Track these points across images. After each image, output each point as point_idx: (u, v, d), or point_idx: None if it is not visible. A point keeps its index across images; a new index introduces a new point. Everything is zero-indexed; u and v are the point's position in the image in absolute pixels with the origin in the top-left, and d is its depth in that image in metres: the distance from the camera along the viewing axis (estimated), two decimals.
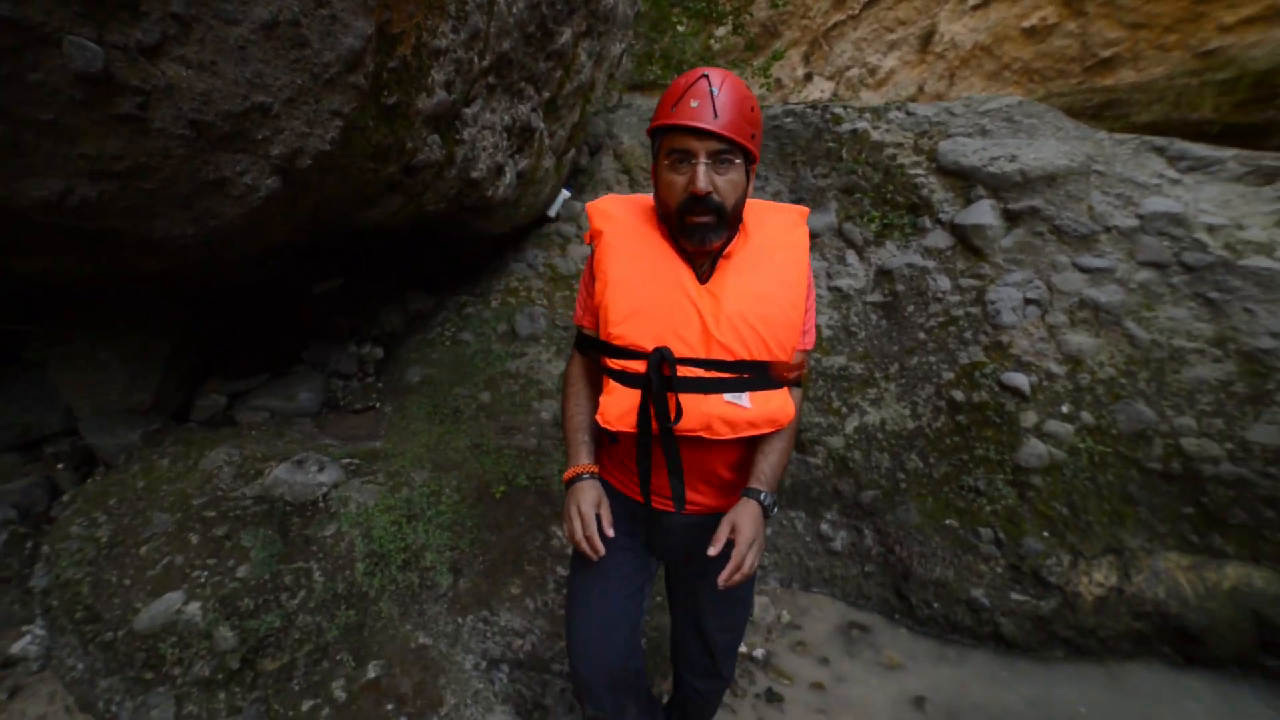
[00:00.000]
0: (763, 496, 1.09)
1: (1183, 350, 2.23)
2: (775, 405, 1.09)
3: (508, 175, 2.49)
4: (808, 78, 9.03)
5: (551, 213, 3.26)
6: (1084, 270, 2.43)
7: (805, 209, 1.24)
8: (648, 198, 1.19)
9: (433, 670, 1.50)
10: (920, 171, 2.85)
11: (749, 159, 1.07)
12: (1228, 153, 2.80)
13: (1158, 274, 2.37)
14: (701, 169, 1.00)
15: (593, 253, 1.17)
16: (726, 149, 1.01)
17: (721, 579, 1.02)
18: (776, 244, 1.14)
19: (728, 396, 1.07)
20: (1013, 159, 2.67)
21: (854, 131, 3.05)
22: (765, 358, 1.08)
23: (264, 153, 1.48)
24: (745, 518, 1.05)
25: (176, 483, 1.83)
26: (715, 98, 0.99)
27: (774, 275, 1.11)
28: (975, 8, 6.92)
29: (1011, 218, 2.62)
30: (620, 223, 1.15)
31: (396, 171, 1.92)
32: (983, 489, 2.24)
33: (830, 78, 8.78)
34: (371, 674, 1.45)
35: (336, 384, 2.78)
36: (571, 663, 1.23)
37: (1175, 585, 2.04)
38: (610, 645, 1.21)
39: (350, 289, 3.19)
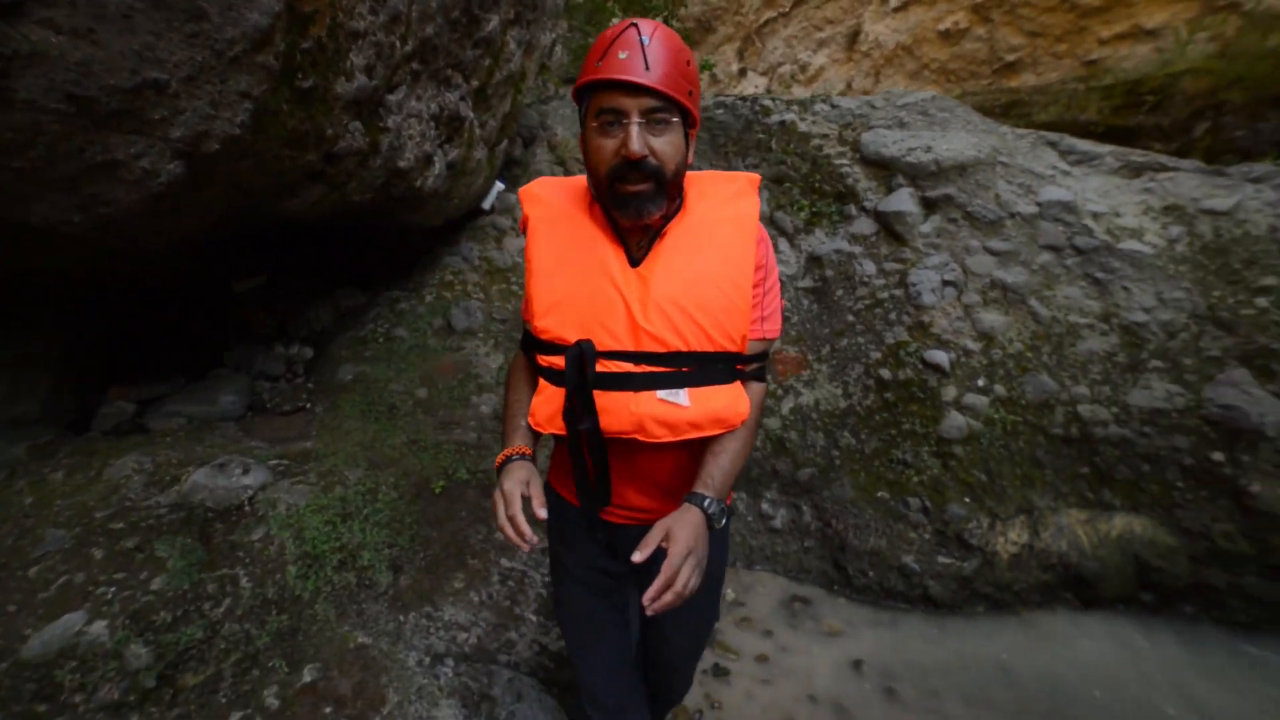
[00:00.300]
0: (707, 503, 0.93)
1: (1077, 325, 2.44)
2: (721, 403, 0.96)
3: (437, 165, 2.43)
4: (742, 73, 9.23)
5: (486, 205, 3.20)
6: (993, 253, 2.62)
7: (756, 176, 1.07)
8: (583, 179, 1.07)
9: (374, 670, 1.46)
10: (845, 161, 2.99)
11: (688, 120, 0.94)
12: (1105, 149, 3.08)
13: (1055, 256, 2.58)
14: (635, 129, 0.88)
15: (524, 245, 1.07)
16: (662, 106, 0.89)
17: (646, 598, 0.83)
18: (718, 217, 1.00)
19: (661, 394, 0.94)
20: (928, 150, 2.83)
21: (782, 123, 3.15)
22: (706, 348, 0.95)
23: (163, 134, 1.38)
24: (683, 526, 0.89)
25: (75, 496, 1.69)
26: (646, 48, 0.87)
27: (714, 253, 0.97)
28: (896, 10, 7.27)
29: (929, 205, 2.78)
30: (548, 206, 1.05)
31: (317, 159, 1.84)
32: (910, 461, 2.37)
33: (764, 73, 9.01)
34: (307, 678, 1.40)
35: (263, 386, 2.64)
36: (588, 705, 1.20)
37: (1075, 538, 2.24)
38: (618, 685, 1.19)
39: (276, 286, 3.03)
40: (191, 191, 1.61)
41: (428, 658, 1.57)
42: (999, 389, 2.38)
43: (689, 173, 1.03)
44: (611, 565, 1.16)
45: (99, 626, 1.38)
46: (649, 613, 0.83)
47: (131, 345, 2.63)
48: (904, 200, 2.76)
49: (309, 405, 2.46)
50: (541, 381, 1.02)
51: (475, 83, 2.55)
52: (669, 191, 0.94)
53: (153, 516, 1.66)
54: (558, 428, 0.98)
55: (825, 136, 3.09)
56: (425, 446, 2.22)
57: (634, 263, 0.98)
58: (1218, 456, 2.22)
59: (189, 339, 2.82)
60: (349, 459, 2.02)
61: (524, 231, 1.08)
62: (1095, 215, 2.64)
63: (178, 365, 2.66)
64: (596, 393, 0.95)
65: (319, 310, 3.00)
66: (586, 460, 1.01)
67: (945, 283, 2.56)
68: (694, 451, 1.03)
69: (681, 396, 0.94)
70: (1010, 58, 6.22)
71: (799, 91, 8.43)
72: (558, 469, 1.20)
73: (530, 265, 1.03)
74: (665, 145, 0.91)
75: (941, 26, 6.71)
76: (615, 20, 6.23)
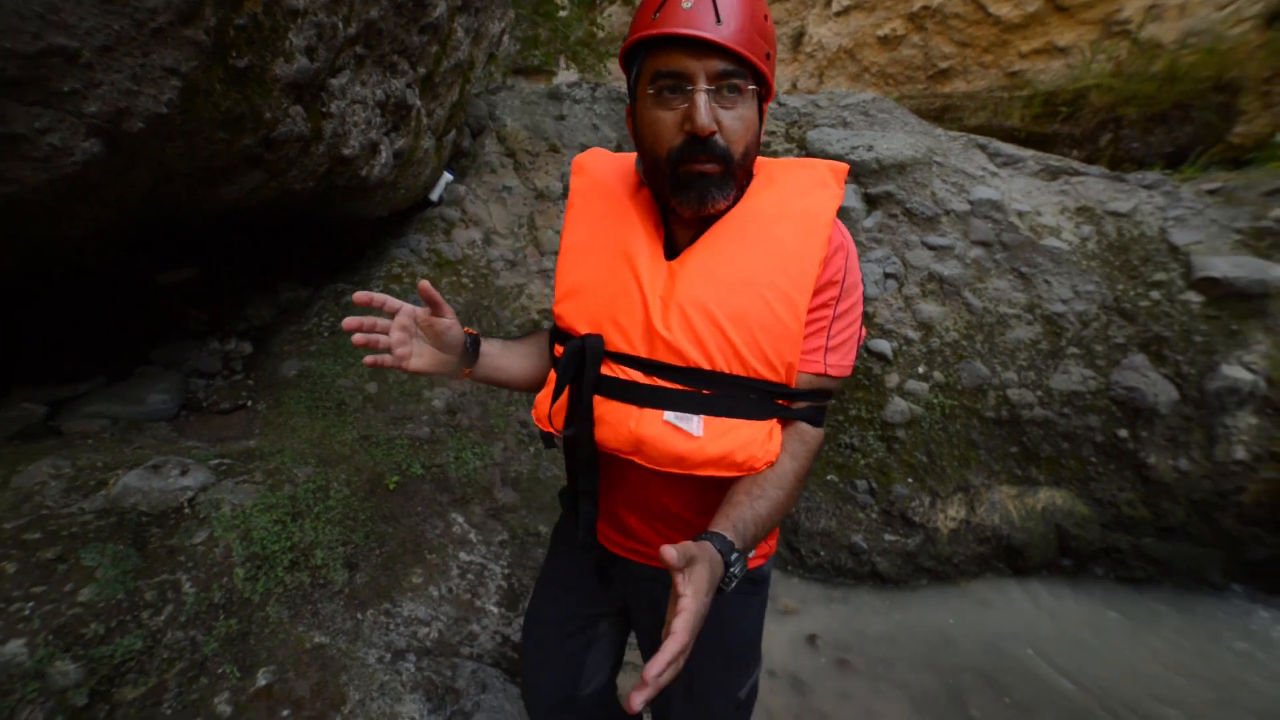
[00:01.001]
0: (731, 556, 0.65)
1: (1006, 316, 2.62)
2: (741, 441, 0.76)
3: (383, 154, 2.36)
4: None
5: (434, 196, 3.12)
6: (931, 248, 2.77)
7: (843, 166, 0.86)
8: (634, 156, 0.91)
9: (332, 669, 1.41)
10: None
11: (764, 89, 0.77)
12: (1028, 153, 3.32)
13: (985, 251, 2.77)
14: (702, 98, 0.70)
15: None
16: (735, 70, 0.72)
17: (649, 673, 0.51)
18: (780, 212, 0.80)
19: (669, 415, 0.77)
20: (870, 149, 2.97)
21: None
22: (735, 371, 0.76)
23: (75, 109, 1.28)
24: (703, 569, 0.59)
25: None
26: None
27: (766, 254, 0.78)
28: (838, 14, 7.52)
29: (871, 201, 2.92)
30: (592, 179, 0.91)
31: (254, 144, 1.75)
32: (857, 445, 2.49)
33: None
34: (262, 681, 1.34)
35: (197, 384, 2.48)
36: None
37: (1006, 512, 2.42)
38: (545, 681, 1.05)
39: (210, 279, 2.85)
40: (114, 174, 1.50)
41: (388, 654, 1.53)
42: (938, 375, 2.53)
43: (761, 158, 0.87)
44: (600, 596, 1.02)
45: (15, 646, 1.28)
46: (636, 706, 0.50)
47: (39, 342, 2.42)
48: (848, 197, 2.88)
49: (250, 403, 2.34)
50: (551, 372, 0.88)
51: (422, 70, 2.48)
52: (738, 177, 0.78)
53: (76, 524, 1.54)
54: (555, 425, 0.84)
55: (773, 134, 3.18)
56: (377, 442, 2.16)
57: (671, 255, 0.83)
58: (1123, 433, 2.45)
59: (109, 335, 2.62)
60: (297, 456, 1.94)
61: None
62: (1020, 214, 2.84)
63: (96, 363, 2.46)
64: (596, 398, 0.81)
65: (258, 304, 2.85)
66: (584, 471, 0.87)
67: (887, 275, 2.70)
68: (706, 490, 0.83)
69: (694, 424, 0.76)
70: (943, 65, 6.57)
71: None
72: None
73: (562, 241, 0.90)
74: (736, 121, 0.74)
75: (880, 32, 7.00)
76: (564, 11, 6.15)
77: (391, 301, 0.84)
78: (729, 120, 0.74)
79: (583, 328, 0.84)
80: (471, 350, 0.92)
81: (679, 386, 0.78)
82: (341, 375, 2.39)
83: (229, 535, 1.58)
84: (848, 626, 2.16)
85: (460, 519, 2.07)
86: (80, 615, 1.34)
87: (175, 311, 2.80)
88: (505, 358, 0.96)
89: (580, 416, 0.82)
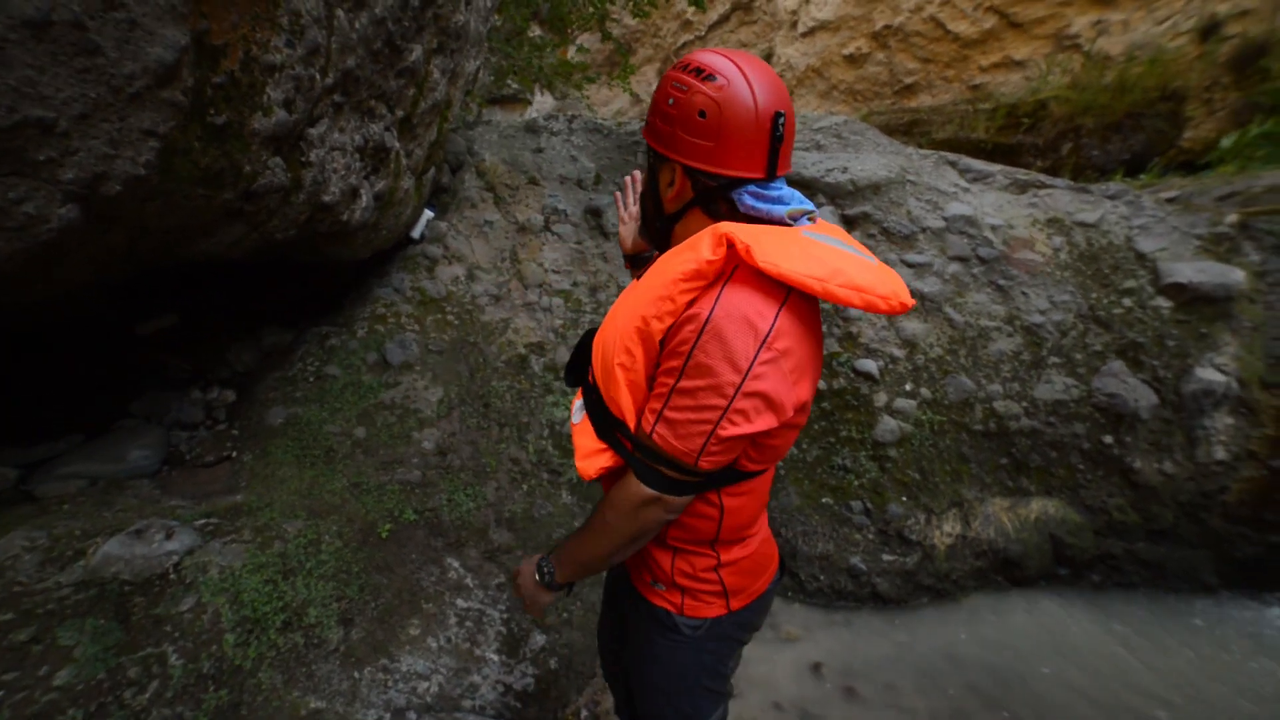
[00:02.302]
0: (541, 558, 1.02)
1: (987, 329, 2.67)
2: (581, 442, 0.97)
3: (364, 198, 2.35)
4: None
5: (415, 234, 3.11)
6: (910, 265, 2.83)
7: (724, 232, 0.79)
8: None
9: None
10: None
11: (657, 152, 0.91)
12: (996, 168, 3.42)
13: (963, 266, 2.83)
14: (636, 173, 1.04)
15: None
16: (648, 147, 0.94)
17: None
18: (658, 265, 0.87)
19: (578, 401, 1.03)
20: (845, 170, 3.03)
21: None
22: (596, 384, 0.95)
23: (50, 177, 1.26)
24: (524, 563, 1.05)
25: None
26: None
27: (629, 300, 0.88)
28: (804, 35, 7.73)
29: (849, 221, 2.97)
30: None
31: (234, 198, 1.74)
32: (850, 466, 2.50)
33: None
34: None
35: (180, 436, 2.42)
36: None
37: (1000, 524, 2.44)
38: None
39: (190, 326, 2.80)
40: (90, 238, 1.48)
41: (388, 714, 1.49)
42: (924, 392, 2.57)
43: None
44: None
45: None
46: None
47: (12, 400, 2.35)
48: (826, 218, 2.93)
49: (235, 454, 2.29)
50: None
51: (400, 113, 2.49)
52: (650, 224, 1.00)
53: (53, 600, 1.48)
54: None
55: None
56: (368, 489, 2.12)
57: None
58: (1108, 439, 2.49)
59: (85, 389, 2.55)
60: (286, 510, 1.90)
61: None
62: (993, 228, 2.92)
63: (72, 419, 2.39)
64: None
65: (240, 350, 2.80)
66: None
67: None
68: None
69: (577, 414, 1.01)
70: (908, 80, 6.77)
71: None
72: None
73: None
74: (645, 179, 0.98)
75: (846, 51, 7.21)
76: (537, 39, 6.25)
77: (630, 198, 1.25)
78: (644, 180, 0.99)
79: None
80: (644, 261, 1.18)
81: (590, 382, 0.99)
82: (329, 421, 2.35)
83: (218, 599, 1.53)
84: (852, 652, 2.15)
85: (456, 564, 2.03)
86: (56, 701, 1.28)
87: (155, 360, 2.74)
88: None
89: (579, 376, 1.08)
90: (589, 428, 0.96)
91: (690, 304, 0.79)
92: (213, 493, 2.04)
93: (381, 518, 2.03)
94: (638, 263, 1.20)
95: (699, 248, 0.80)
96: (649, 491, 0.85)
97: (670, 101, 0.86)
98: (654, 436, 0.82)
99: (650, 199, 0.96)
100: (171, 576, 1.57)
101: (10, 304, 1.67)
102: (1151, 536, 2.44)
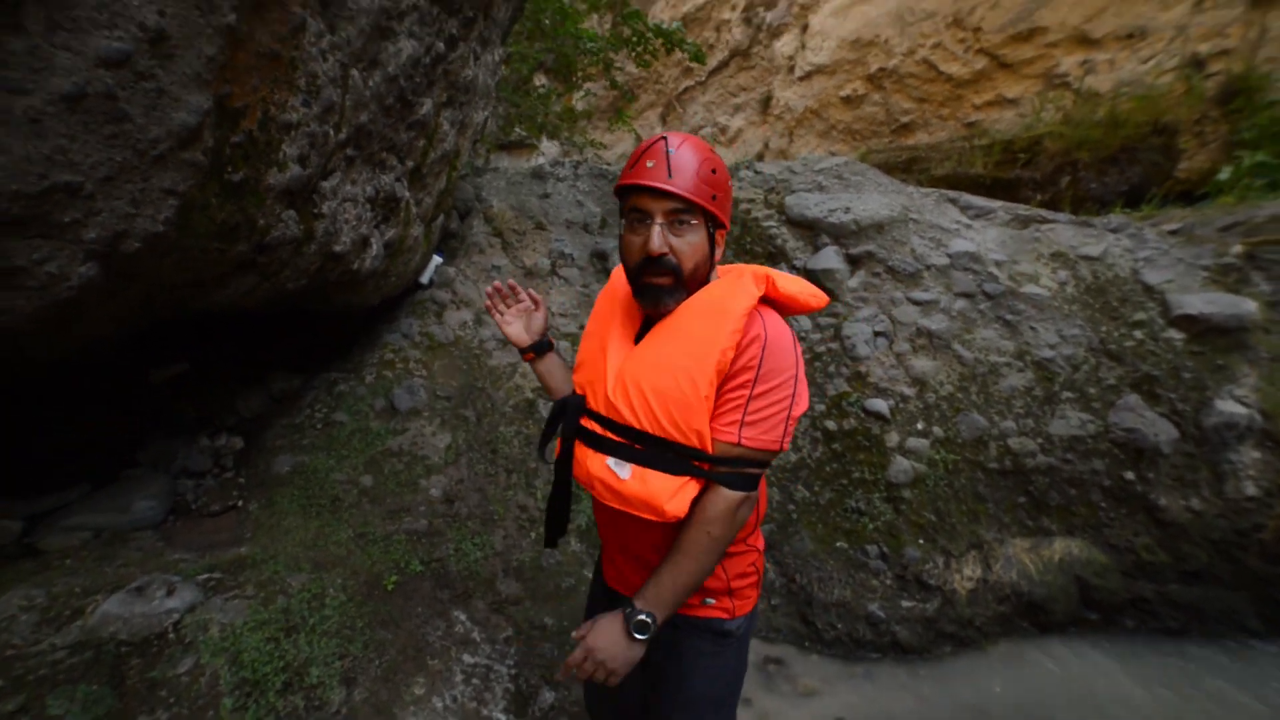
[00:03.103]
0: (628, 612, 0.99)
1: (997, 365, 2.65)
2: (655, 489, 0.96)
3: (374, 246, 2.39)
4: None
5: (424, 279, 3.16)
6: (916, 303, 2.83)
7: (765, 272, 1.05)
8: None
9: None
10: (773, 224, 3.18)
11: (712, 222, 1.03)
12: (997, 204, 3.46)
13: (969, 302, 2.82)
14: (657, 229, 0.97)
15: None
16: (684, 209, 0.97)
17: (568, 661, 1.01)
18: (704, 310, 1.00)
19: (610, 461, 1.01)
20: (847, 210, 3.07)
21: None
22: (659, 433, 0.98)
23: (74, 237, 1.29)
24: (601, 626, 1.00)
25: None
26: (671, 158, 0.97)
27: (681, 342, 0.99)
28: (801, 79, 7.97)
29: (853, 261, 2.99)
30: (609, 287, 1.21)
31: (248, 250, 1.77)
32: (864, 509, 2.45)
33: None
34: None
35: (186, 484, 2.41)
36: None
37: (1023, 566, 2.36)
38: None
39: (199, 372, 2.82)
40: (109, 293, 1.50)
41: None
42: (937, 430, 2.52)
43: (728, 265, 1.13)
44: None
45: None
46: (560, 675, 1.02)
47: (14, 449, 2.34)
48: (830, 258, 2.96)
49: (241, 503, 2.26)
50: None
51: (411, 163, 2.56)
52: (689, 286, 1.03)
53: (46, 664, 1.44)
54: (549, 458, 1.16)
55: (752, 200, 3.29)
56: (374, 539, 2.08)
57: (637, 340, 1.09)
58: (1129, 475, 2.43)
59: (93, 436, 2.55)
60: (290, 562, 1.86)
61: None
62: (998, 263, 2.92)
63: (79, 468, 2.38)
64: (577, 442, 1.09)
65: (249, 396, 2.81)
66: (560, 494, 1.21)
67: (877, 334, 2.73)
68: (664, 535, 1.06)
69: (624, 469, 1.00)
70: (905, 119, 6.93)
71: (721, 151, 8.99)
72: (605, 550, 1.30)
73: (586, 327, 1.21)
74: (684, 245, 1.00)
75: (843, 93, 7.41)
76: (542, 88, 6.49)
77: (522, 291, 1.32)
78: (679, 244, 1.00)
79: (579, 390, 1.13)
80: (545, 347, 1.31)
81: (620, 439, 1.02)
82: (336, 469, 2.33)
83: (216, 660, 1.49)
84: (875, 707, 2.05)
85: (463, 616, 1.97)
86: None
87: (163, 407, 2.75)
88: (559, 371, 1.30)
89: (565, 453, 1.11)
90: (654, 473, 0.98)
91: (748, 329, 0.99)
92: (217, 544, 2.01)
93: (387, 569, 1.98)
94: (540, 348, 1.30)
95: (744, 286, 1.02)
96: (739, 494, 0.99)
97: (714, 171, 1.01)
98: (742, 443, 0.97)
99: (706, 263, 1.04)
100: (170, 636, 1.53)
101: (27, 358, 1.69)
102: (1184, 578, 2.35)
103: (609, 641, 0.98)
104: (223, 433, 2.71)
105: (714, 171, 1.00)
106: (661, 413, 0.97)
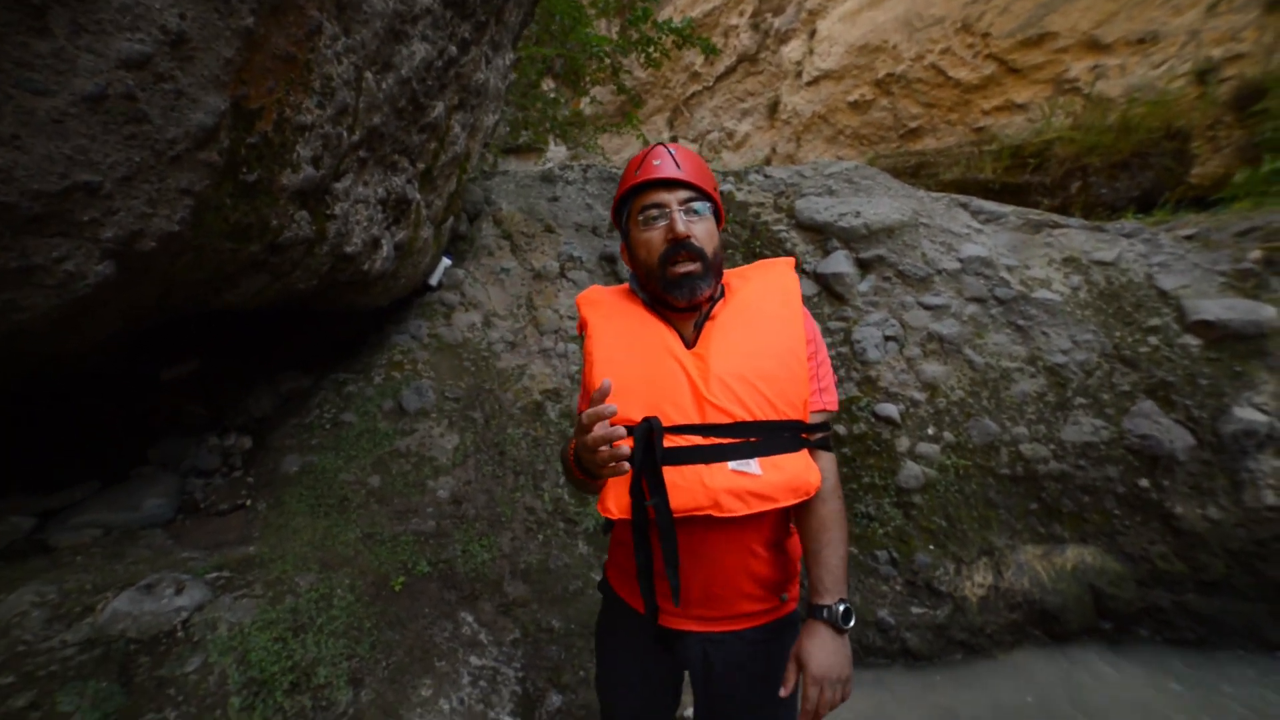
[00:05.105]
0: (825, 614, 0.94)
1: (1008, 370, 2.62)
2: (793, 470, 0.95)
3: (385, 248, 2.40)
4: (674, 140, 9.77)
5: (433, 281, 3.17)
6: (927, 308, 2.81)
7: (791, 258, 1.19)
8: (626, 285, 1.18)
9: None
10: (783, 228, 3.17)
11: (716, 214, 1.09)
12: (1009, 209, 3.43)
13: (980, 307, 2.80)
14: (678, 214, 1.00)
15: (583, 345, 1.13)
16: (696, 196, 1.03)
17: None
18: (764, 295, 1.08)
19: (733, 465, 0.94)
20: (858, 214, 3.06)
21: (721, 193, 3.33)
22: (771, 416, 0.97)
23: (92, 235, 1.30)
24: (814, 648, 0.92)
25: None
26: (674, 155, 1.05)
27: (765, 327, 1.04)
28: (808, 84, 7.97)
29: (864, 265, 2.98)
30: (605, 305, 1.14)
31: (260, 250, 1.78)
32: (874, 514, 2.42)
33: (694, 140, 9.57)
34: None
35: (195, 483, 2.42)
36: None
37: (1035, 574, 2.33)
38: None
39: (209, 371, 2.84)
40: (122, 291, 1.51)
41: None
42: (948, 436, 2.50)
43: (728, 269, 1.14)
44: (668, 675, 1.18)
45: None
46: None
47: (26, 446, 2.36)
48: (841, 262, 2.94)
49: (249, 502, 2.27)
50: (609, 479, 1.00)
51: (422, 165, 2.57)
52: (715, 270, 1.04)
53: (56, 660, 1.44)
54: (626, 510, 0.97)
55: (762, 205, 3.29)
56: (382, 540, 2.08)
57: (689, 345, 1.05)
58: (1144, 483, 2.40)
59: (104, 435, 2.57)
60: (299, 562, 1.86)
61: (582, 333, 1.14)
62: (1009, 268, 2.90)
63: (90, 466, 2.40)
64: (666, 469, 0.94)
65: (258, 396, 2.82)
66: (654, 548, 1.00)
67: (887, 338, 2.71)
68: (767, 540, 1.03)
69: (754, 466, 0.95)
70: (913, 124, 6.91)
71: (728, 156, 8.99)
72: (617, 568, 1.19)
73: (591, 359, 1.07)
74: (702, 230, 1.03)
75: (850, 98, 7.41)
76: (550, 92, 6.53)
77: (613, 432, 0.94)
78: (697, 229, 1.02)
79: (637, 415, 0.98)
80: None
81: (731, 440, 0.96)
82: (344, 469, 2.33)
83: (224, 660, 1.48)
84: (886, 716, 2.02)
85: (470, 618, 1.97)
86: None
87: (173, 406, 2.76)
88: None
89: (655, 488, 0.94)
90: (781, 457, 0.97)
91: None
92: (225, 543, 2.02)
93: (395, 570, 1.98)
94: None
95: (785, 270, 1.13)
96: (834, 454, 1.07)
97: (708, 171, 1.09)
98: (826, 406, 1.06)
99: (721, 250, 1.08)
100: (179, 634, 1.53)
101: (40, 356, 1.70)
102: (1202, 588, 2.31)
103: (827, 655, 0.93)
104: (232, 432, 2.72)
105: (705, 168, 1.09)
106: (775, 396, 0.98)
